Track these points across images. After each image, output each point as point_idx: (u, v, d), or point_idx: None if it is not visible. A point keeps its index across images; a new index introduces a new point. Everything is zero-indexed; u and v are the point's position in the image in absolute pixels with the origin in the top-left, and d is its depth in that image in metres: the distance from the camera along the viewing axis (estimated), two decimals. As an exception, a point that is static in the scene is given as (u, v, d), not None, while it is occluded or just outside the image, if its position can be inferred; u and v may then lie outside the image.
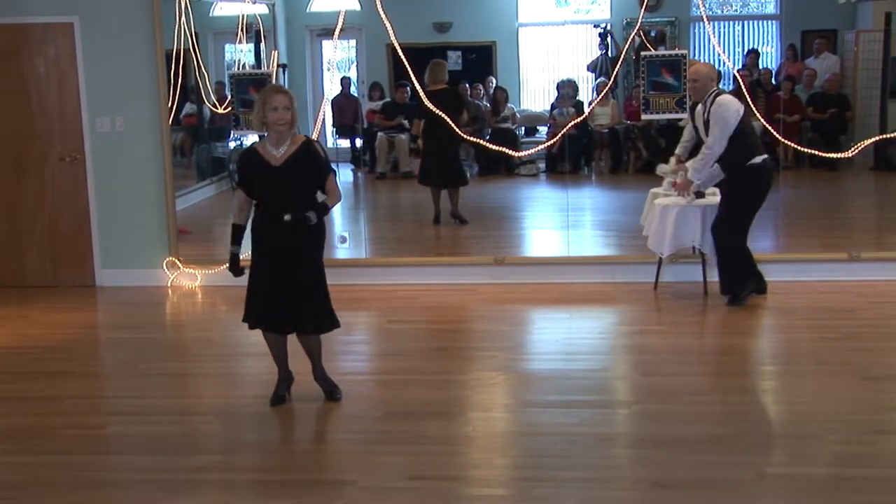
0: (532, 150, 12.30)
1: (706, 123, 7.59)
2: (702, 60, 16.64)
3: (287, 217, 5.53)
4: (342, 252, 9.67)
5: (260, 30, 14.98)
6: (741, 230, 7.65)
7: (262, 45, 15.17)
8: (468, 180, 11.39)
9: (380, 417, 5.72)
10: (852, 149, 9.70)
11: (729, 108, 7.46)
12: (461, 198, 10.98)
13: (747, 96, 9.51)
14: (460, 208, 10.90)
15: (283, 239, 5.64)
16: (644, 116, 9.38)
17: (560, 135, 10.86)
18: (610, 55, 15.41)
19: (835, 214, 10.60)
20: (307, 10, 17.18)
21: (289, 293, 5.71)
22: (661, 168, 8.24)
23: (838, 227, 10.25)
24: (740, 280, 7.70)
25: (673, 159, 8.20)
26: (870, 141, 10.15)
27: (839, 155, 9.67)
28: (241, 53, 14.71)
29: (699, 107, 7.71)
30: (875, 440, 5.13)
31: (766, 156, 7.67)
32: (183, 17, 11.33)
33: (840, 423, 5.35)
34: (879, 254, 8.65)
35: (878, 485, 4.62)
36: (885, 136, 11.37)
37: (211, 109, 13.72)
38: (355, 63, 17.64)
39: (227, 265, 5.88)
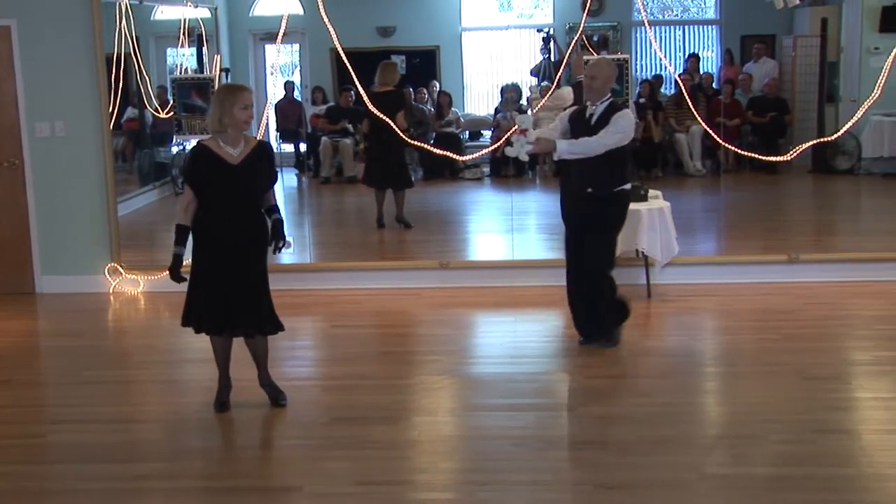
0: (476, 154, 12.32)
1: (592, 129, 6.59)
2: (644, 65, 16.87)
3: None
4: (286, 257, 9.61)
5: (202, 34, 14.88)
6: (613, 261, 6.89)
7: (205, 49, 15.07)
8: (413, 183, 11.37)
9: (325, 423, 5.70)
10: (791, 152, 9.83)
11: (632, 123, 6.64)
12: (406, 202, 10.96)
13: (689, 100, 9.63)
14: (405, 212, 10.89)
15: (233, 239, 5.61)
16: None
17: (504, 139, 10.87)
18: (553, 59, 15.50)
19: (775, 217, 10.75)
20: (250, 14, 17.08)
21: (236, 295, 5.68)
22: (520, 118, 6.68)
23: (778, 230, 10.39)
24: (614, 317, 6.94)
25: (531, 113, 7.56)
26: (808, 144, 10.29)
27: (778, 158, 9.81)
28: (183, 58, 14.60)
29: (589, 110, 6.69)
30: (815, 439, 5.21)
31: (630, 185, 6.87)
32: (123, 21, 11.21)
33: (781, 423, 5.43)
34: (818, 255, 8.79)
35: (818, 483, 4.70)
36: (822, 139, 11.56)
37: (153, 114, 13.59)
38: (299, 67, 17.58)
39: (168, 269, 5.77)
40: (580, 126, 6.68)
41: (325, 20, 8.55)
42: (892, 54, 9.03)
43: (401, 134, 9.91)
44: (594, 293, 6.81)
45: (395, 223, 10.97)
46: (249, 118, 5.56)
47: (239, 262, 5.65)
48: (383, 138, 10.49)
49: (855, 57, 14.14)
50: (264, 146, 5.78)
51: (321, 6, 8.48)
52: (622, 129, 6.55)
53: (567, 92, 7.82)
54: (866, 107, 9.52)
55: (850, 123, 9.83)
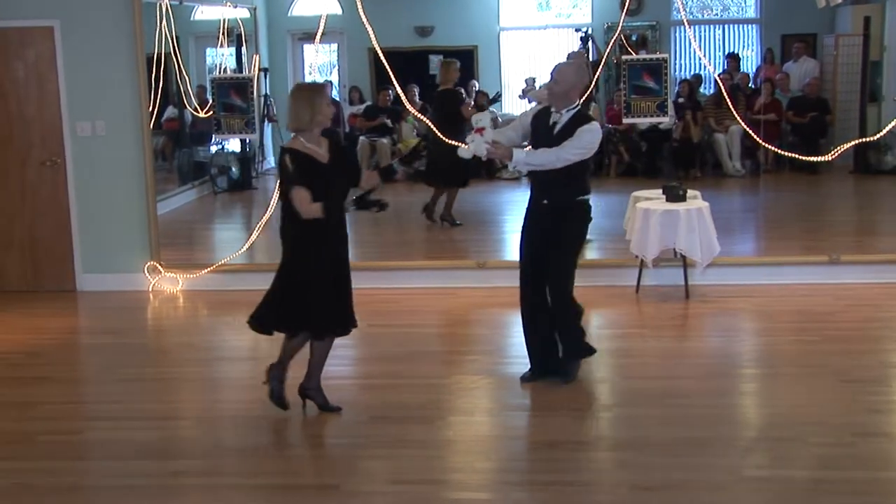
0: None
1: (553, 138, 6.09)
2: (682, 64, 16.77)
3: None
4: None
5: (241, 34, 14.97)
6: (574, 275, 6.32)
7: (244, 49, 15.16)
8: (467, 182, 11.36)
9: (362, 421, 5.72)
10: (832, 152, 9.74)
11: (597, 137, 6.09)
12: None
13: (728, 100, 9.57)
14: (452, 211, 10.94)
15: (334, 239, 5.60)
16: (625, 120, 9.42)
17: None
18: (591, 59, 15.45)
19: (815, 217, 10.65)
20: (288, 14, 17.18)
21: (346, 294, 5.77)
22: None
23: (818, 230, 10.29)
24: (576, 348, 6.32)
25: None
26: (849, 144, 10.19)
27: (819, 158, 9.72)
28: (222, 57, 14.70)
29: (553, 116, 6.16)
30: (854, 442, 5.15)
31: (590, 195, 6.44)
32: (164, 21, 11.30)
33: (820, 426, 5.37)
34: (859, 256, 8.69)
35: (856, 487, 4.65)
36: (864, 139, 11.44)
37: (192, 113, 13.69)
38: (337, 67, 17.64)
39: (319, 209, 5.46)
40: (542, 132, 6.15)
41: (364, 20, 8.57)
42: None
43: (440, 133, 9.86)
44: (559, 318, 6.22)
45: (436, 221, 11.03)
46: (329, 117, 5.58)
47: (343, 261, 5.68)
48: (445, 135, 10.48)
49: (898, 56, 13.96)
50: (338, 141, 5.73)
51: (360, 6, 8.50)
52: (586, 144, 6.00)
53: (542, 93, 7.77)
54: (909, 106, 9.40)
55: (893, 123, 9.70)
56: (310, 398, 5.82)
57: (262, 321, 5.79)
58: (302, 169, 5.42)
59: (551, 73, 6.14)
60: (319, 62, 17.30)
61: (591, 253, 9.68)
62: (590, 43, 15.71)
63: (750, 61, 16.69)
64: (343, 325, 5.78)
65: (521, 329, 6.45)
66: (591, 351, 6.34)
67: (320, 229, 5.48)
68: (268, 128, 16.63)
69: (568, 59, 9.18)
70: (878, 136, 10.85)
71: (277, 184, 5.79)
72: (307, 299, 5.58)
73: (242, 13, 15.35)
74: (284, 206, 5.56)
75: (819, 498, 4.55)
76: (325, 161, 5.50)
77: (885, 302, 7.87)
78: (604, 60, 11.85)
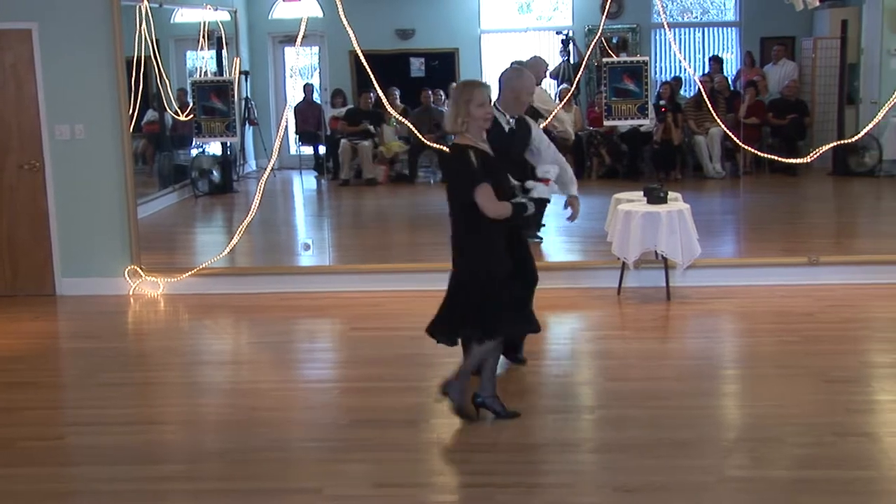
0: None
1: (518, 141, 6.39)
2: (664, 67, 16.83)
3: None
4: (306, 259, 9.65)
5: (222, 36, 14.93)
6: None
7: (224, 51, 15.12)
8: None
9: (344, 425, 5.71)
10: (811, 154, 9.80)
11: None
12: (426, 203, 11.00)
13: (708, 103, 9.61)
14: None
15: (510, 239, 5.53)
16: (606, 122, 9.44)
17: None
18: (572, 62, 15.51)
19: (794, 219, 10.71)
20: (269, 17, 17.14)
21: (527, 294, 5.69)
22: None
23: (798, 232, 10.35)
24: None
25: None
26: (828, 146, 10.25)
27: (798, 160, 9.78)
28: (202, 60, 14.66)
29: (506, 125, 6.31)
30: (835, 442, 5.18)
31: None
32: (143, 24, 11.26)
33: (801, 426, 5.40)
34: (837, 258, 8.75)
35: (838, 486, 4.67)
36: (842, 141, 11.51)
37: (173, 116, 13.65)
38: (318, 70, 17.62)
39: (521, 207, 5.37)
40: (504, 139, 6.16)
41: (345, 23, 8.57)
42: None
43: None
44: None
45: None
46: (487, 115, 5.33)
47: (515, 260, 5.55)
48: None
49: (875, 59, 14.07)
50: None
51: (340, 9, 8.50)
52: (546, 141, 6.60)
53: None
54: (887, 109, 9.47)
55: (870, 125, 9.79)
56: (486, 407, 5.67)
57: (446, 332, 5.68)
58: (481, 168, 5.26)
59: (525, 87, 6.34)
60: (300, 65, 17.29)
61: (572, 255, 9.72)
62: (571, 45, 15.80)
63: (730, 64, 16.78)
64: (533, 325, 5.72)
65: None
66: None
67: (496, 229, 5.36)
68: (249, 131, 16.60)
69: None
70: (855, 138, 10.95)
71: (447, 188, 5.50)
72: (499, 302, 5.41)
73: (223, 16, 15.31)
74: (457, 208, 5.41)
75: (800, 497, 4.57)
76: (493, 156, 5.38)
77: (864, 303, 7.92)
78: (584, 63, 11.87)
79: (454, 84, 16.60)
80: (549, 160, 6.24)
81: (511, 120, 6.26)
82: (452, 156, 5.41)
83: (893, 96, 9.05)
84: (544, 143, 6.50)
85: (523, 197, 5.36)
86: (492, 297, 5.38)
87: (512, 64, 8.24)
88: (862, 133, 10.24)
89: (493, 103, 5.65)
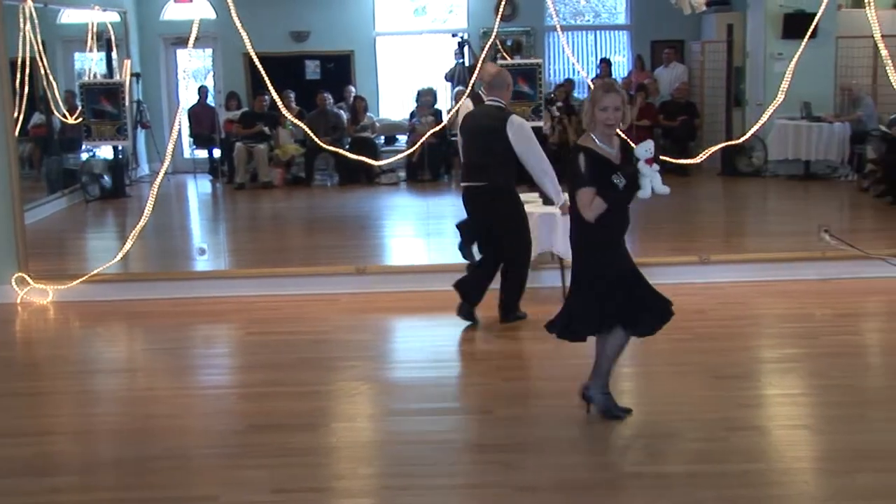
0: (392, 159, 12.34)
1: None
2: (558, 69, 17.04)
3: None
4: (201, 264, 9.52)
5: (111, 38, 14.64)
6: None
7: (114, 53, 14.83)
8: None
9: (241, 431, 5.64)
10: (700, 155, 10.02)
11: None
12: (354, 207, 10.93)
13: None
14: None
15: (624, 239, 5.50)
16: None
17: (419, 143, 10.91)
18: (467, 64, 15.60)
19: (685, 219, 10.94)
20: (160, 18, 16.88)
21: (646, 290, 5.59)
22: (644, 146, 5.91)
23: (689, 232, 10.58)
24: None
25: None
26: (716, 147, 10.50)
27: (688, 161, 9.98)
28: (91, 62, 14.35)
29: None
30: (727, 437, 5.31)
31: (462, 182, 7.58)
32: (28, 25, 10.98)
33: (694, 422, 5.52)
34: (728, 256, 8.97)
35: (731, 480, 4.78)
36: (730, 142, 11.80)
37: (61, 120, 13.34)
38: (212, 72, 17.41)
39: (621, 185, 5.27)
40: None
41: (238, 25, 8.46)
42: (794, 60, 9.24)
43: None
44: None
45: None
46: (608, 120, 5.29)
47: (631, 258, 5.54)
48: None
49: (759, 62, 14.51)
50: (625, 143, 5.50)
51: (233, 10, 8.39)
52: None
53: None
54: (771, 111, 9.74)
55: (755, 127, 10.05)
56: (592, 402, 5.65)
57: (573, 329, 5.60)
58: (594, 170, 5.27)
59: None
60: (193, 67, 17.06)
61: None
62: (466, 48, 15.89)
63: (621, 66, 17.09)
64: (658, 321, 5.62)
65: (401, 334, 6.66)
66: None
67: (609, 228, 5.37)
68: (141, 134, 16.33)
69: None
70: (742, 139, 11.23)
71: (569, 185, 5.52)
72: (613, 299, 5.42)
73: (112, 16, 15.03)
74: (573, 207, 5.41)
75: (695, 492, 4.67)
76: (617, 162, 5.36)
77: (753, 300, 8.13)
78: (479, 65, 11.90)
79: (349, 87, 16.58)
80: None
81: None
82: (570, 156, 5.48)
83: (777, 98, 9.31)
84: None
85: (616, 177, 5.28)
86: (605, 294, 5.42)
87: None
88: (748, 134, 10.51)
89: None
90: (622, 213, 5.42)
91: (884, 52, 8.97)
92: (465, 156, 7.48)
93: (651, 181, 5.36)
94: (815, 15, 9.59)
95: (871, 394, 5.93)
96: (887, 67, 8.95)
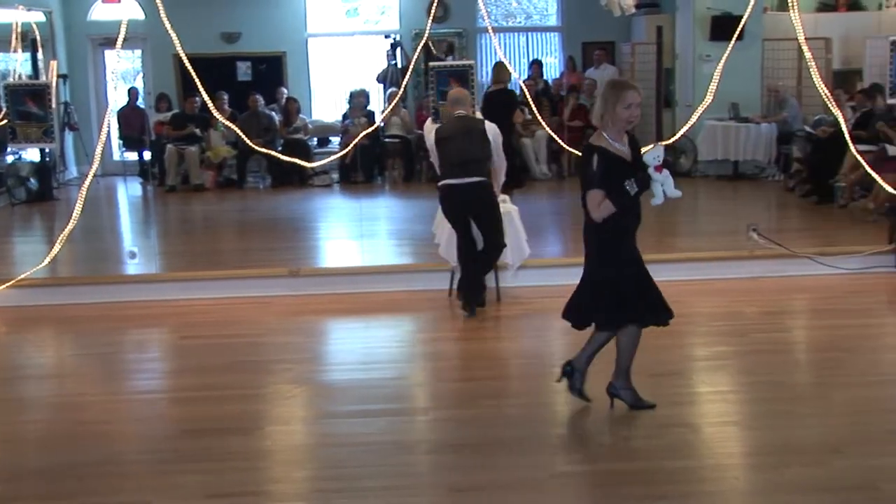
0: (325, 161, 12.29)
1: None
2: (489, 71, 17.10)
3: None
4: (132, 267, 9.39)
5: (36, 38, 14.38)
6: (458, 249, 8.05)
7: (40, 54, 14.58)
8: (523, 183, 11.18)
9: (174, 436, 5.58)
10: (632, 156, 10.09)
11: (425, 133, 8.19)
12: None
13: (533, 106, 9.84)
14: None
15: (635, 235, 5.55)
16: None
17: (352, 145, 10.89)
18: (399, 65, 15.60)
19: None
20: (88, 19, 16.63)
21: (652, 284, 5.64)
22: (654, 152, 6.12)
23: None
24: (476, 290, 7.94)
25: None
26: (647, 148, 10.59)
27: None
28: (16, 63, 14.08)
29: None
30: (660, 434, 5.37)
31: (448, 181, 7.82)
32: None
33: (627, 419, 5.58)
34: (660, 255, 9.00)
35: (663, 476, 4.84)
36: (661, 143, 11.91)
37: (-15, 122, 13.07)
38: (142, 73, 17.20)
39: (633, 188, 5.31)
40: None
41: (167, 26, 8.37)
42: (722, 61, 9.39)
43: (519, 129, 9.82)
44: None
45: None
46: (632, 117, 5.32)
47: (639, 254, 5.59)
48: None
49: (689, 63, 14.72)
50: (634, 139, 5.55)
51: (162, 11, 8.30)
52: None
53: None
54: (700, 112, 9.88)
55: (685, 128, 10.19)
56: (619, 397, 5.69)
57: (579, 317, 5.70)
58: (606, 169, 5.29)
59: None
60: (122, 69, 16.84)
61: (403, 258, 9.77)
62: (398, 49, 15.89)
63: (553, 68, 17.21)
64: (667, 312, 5.67)
65: (335, 336, 6.99)
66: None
67: (623, 226, 5.41)
68: (68, 136, 16.08)
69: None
70: (672, 139, 11.36)
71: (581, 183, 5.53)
72: (623, 293, 5.50)
73: (37, 16, 14.77)
74: (585, 205, 5.44)
75: (628, 489, 4.72)
76: (629, 160, 5.39)
77: (686, 298, 8.20)
78: (412, 66, 11.94)
79: (282, 88, 16.50)
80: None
81: None
82: (582, 155, 5.51)
83: (706, 99, 9.44)
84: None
85: (629, 184, 5.31)
86: (617, 289, 5.49)
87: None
88: (678, 135, 10.65)
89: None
90: (634, 209, 5.48)
91: (807, 55, 9.17)
92: (455, 155, 7.78)
93: (663, 186, 5.42)
94: (741, 17, 9.76)
95: (798, 390, 6.05)
96: (811, 69, 9.15)
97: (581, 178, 5.49)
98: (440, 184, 7.89)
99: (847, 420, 5.54)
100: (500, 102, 10.67)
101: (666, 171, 5.42)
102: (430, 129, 8.23)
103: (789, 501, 4.57)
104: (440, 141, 7.89)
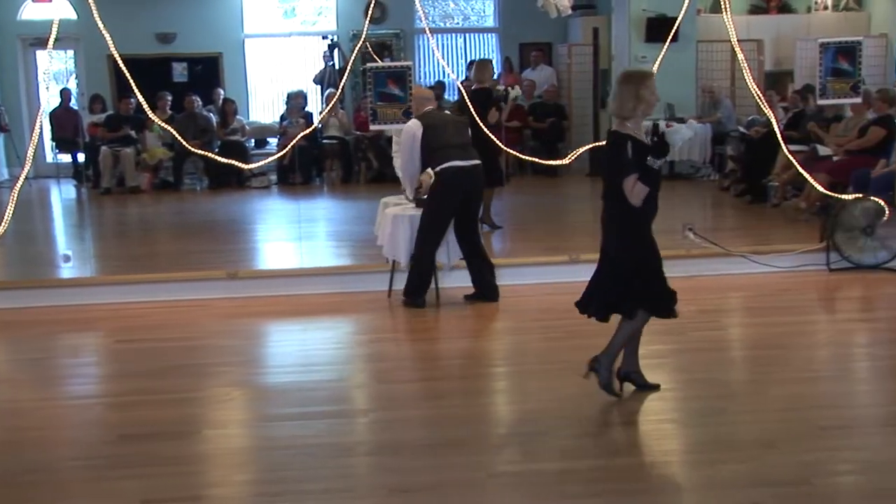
0: (263, 163, 12.21)
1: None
2: (428, 72, 17.12)
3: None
4: (66, 271, 9.26)
5: (-35, 38, 14.10)
6: (433, 241, 7.94)
7: (-31, 54, 14.30)
8: (504, 182, 11.06)
9: (110, 441, 5.51)
10: (569, 156, 10.19)
11: (407, 133, 7.99)
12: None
13: (470, 106, 9.83)
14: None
15: (653, 224, 5.69)
16: (373, 127, 9.51)
17: (290, 146, 10.83)
18: (337, 67, 15.55)
19: (556, 219, 11.13)
20: (18, 18, 16.36)
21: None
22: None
23: (559, 231, 10.75)
24: (420, 288, 7.97)
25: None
26: (584, 148, 10.70)
27: (557, 162, 10.15)
28: (-56, 64, 13.80)
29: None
30: (598, 433, 5.43)
31: (450, 163, 7.82)
32: None
33: (566, 419, 5.61)
34: (596, 255, 9.11)
35: (602, 474, 4.89)
36: (598, 143, 12.02)
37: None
38: (74, 74, 16.95)
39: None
40: None
41: (100, 26, 8.26)
42: (657, 63, 9.50)
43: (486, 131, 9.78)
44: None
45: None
46: (654, 104, 5.59)
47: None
48: (480, 135, 10.29)
49: (624, 64, 14.84)
50: (656, 129, 5.74)
51: (95, 11, 8.18)
52: (402, 140, 8.02)
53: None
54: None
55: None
56: (596, 372, 5.86)
57: (603, 309, 5.84)
58: (639, 157, 5.45)
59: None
60: (55, 69, 16.58)
61: (342, 259, 9.75)
62: (336, 51, 15.84)
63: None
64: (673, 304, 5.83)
65: (274, 338, 7.02)
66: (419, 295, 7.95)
67: (645, 214, 5.59)
68: (0, 138, 15.80)
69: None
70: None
71: (604, 174, 5.80)
72: (641, 282, 5.68)
73: (-34, 17, 14.50)
74: (610, 192, 5.61)
75: (567, 487, 4.75)
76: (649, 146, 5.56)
77: (622, 297, 8.30)
78: (349, 67, 11.90)
79: (218, 90, 16.37)
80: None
81: None
82: (611, 144, 5.64)
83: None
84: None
85: (651, 161, 5.47)
86: (639, 276, 5.66)
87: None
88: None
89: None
90: (652, 201, 5.63)
91: (740, 56, 9.32)
92: (454, 136, 7.93)
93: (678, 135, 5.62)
94: (676, 19, 9.88)
95: (733, 387, 6.13)
96: (744, 70, 9.29)
97: (610, 168, 5.64)
98: (441, 167, 7.78)
99: (781, 416, 5.63)
100: (481, 101, 10.70)
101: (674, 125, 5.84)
102: (412, 127, 7.92)
103: (724, 497, 4.63)
104: (430, 128, 7.85)
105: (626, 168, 5.47)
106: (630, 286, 5.70)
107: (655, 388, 5.96)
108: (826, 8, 16.38)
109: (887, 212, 8.77)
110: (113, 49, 8.48)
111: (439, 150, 7.84)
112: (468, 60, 16.84)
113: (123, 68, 8.42)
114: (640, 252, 5.67)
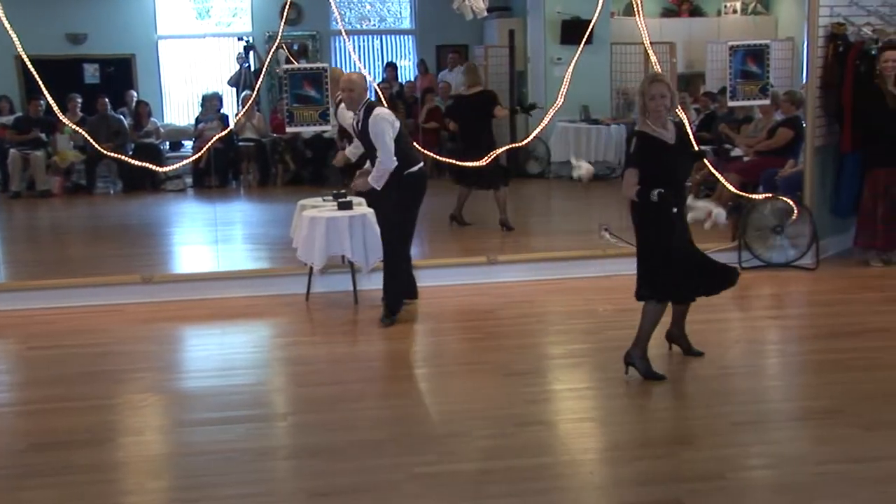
0: (177, 165, 12.06)
1: (362, 133, 7.51)
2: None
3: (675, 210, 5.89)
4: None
5: None
6: (406, 239, 7.76)
7: None
8: (508, 182, 10.96)
9: (21, 450, 5.39)
10: (487, 158, 10.24)
11: (385, 121, 7.37)
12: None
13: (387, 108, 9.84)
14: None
15: (677, 213, 5.98)
16: (289, 129, 9.44)
17: (206, 149, 10.71)
18: (253, 68, 15.43)
19: (474, 220, 11.15)
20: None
21: (702, 262, 6.27)
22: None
23: (477, 233, 10.79)
24: (398, 295, 7.72)
25: (340, 154, 8.71)
26: (501, 150, 10.75)
27: (474, 164, 10.18)
28: None
29: (351, 116, 7.78)
30: (517, 432, 5.45)
31: (422, 164, 7.74)
32: None
33: (485, 419, 5.64)
34: (514, 256, 9.22)
35: (519, 474, 4.92)
36: (514, 145, 12.12)
37: None
38: (-20, 75, 16.53)
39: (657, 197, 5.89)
40: (357, 132, 7.73)
41: (6, 25, 8.08)
42: (572, 64, 9.59)
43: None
44: (386, 264, 7.79)
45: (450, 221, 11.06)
46: (657, 107, 5.94)
47: (685, 232, 6.16)
48: (481, 140, 10.28)
49: (540, 66, 14.99)
50: (681, 124, 6.27)
51: (1, 10, 8.00)
52: (380, 131, 7.35)
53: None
54: (551, 114, 10.07)
55: (537, 130, 10.36)
56: (633, 366, 6.21)
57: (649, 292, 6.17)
58: (644, 152, 5.95)
59: (343, 86, 7.53)
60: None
61: (259, 262, 9.67)
62: (251, 52, 15.71)
63: (407, 70, 17.29)
64: (692, 294, 6.31)
65: (190, 343, 7.00)
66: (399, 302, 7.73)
67: (660, 206, 5.88)
68: None
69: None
70: (525, 141, 11.57)
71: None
72: (661, 268, 6.06)
73: None
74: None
75: (485, 488, 4.77)
76: (672, 142, 6.00)
77: (539, 298, 8.38)
78: (265, 69, 11.81)
79: (131, 91, 16.11)
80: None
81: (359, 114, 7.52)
82: (628, 137, 6.25)
83: (557, 101, 9.63)
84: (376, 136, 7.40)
85: (655, 194, 5.89)
86: (655, 262, 6.06)
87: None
88: (531, 137, 10.82)
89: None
90: (677, 191, 6.06)
91: (653, 58, 9.47)
92: (408, 139, 7.85)
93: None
94: (590, 22, 9.98)
95: (649, 385, 6.21)
96: (657, 73, 9.41)
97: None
98: (412, 171, 7.52)
99: (696, 413, 5.74)
100: (483, 102, 10.71)
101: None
102: (386, 116, 7.44)
103: (641, 493, 4.70)
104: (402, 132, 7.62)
105: (628, 160, 6.11)
106: (639, 270, 6.16)
107: (661, 377, 6.20)
108: (735, 12, 16.72)
109: (796, 211, 8.98)
110: (20, 49, 8.30)
111: (410, 150, 7.67)
112: (385, 62, 16.84)
113: (32, 69, 8.25)
114: (651, 236, 6.04)
